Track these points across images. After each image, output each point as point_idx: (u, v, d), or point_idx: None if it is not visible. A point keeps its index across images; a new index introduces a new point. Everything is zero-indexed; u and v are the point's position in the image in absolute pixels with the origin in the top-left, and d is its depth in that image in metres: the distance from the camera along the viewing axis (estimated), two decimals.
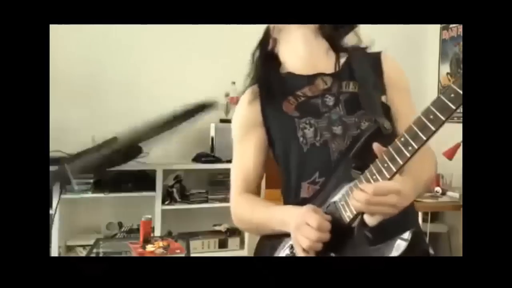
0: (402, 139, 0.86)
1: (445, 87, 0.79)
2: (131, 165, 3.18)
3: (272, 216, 1.09)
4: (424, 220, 3.06)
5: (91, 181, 3.09)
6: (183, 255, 2.20)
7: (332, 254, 0.98)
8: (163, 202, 3.19)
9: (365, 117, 1.06)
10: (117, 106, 3.35)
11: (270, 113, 1.15)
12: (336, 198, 1.01)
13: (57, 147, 3.05)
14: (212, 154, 3.30)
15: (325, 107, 1.10)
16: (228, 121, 3.26)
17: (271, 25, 1.17)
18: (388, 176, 0.89)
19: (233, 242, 3.36)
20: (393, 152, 0.87)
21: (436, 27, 3.77)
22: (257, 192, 1.20)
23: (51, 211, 2.87)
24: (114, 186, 3.14)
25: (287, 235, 1.04)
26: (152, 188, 3.15)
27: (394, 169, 0.87)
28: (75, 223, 3.20)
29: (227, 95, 3.36)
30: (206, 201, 3.33)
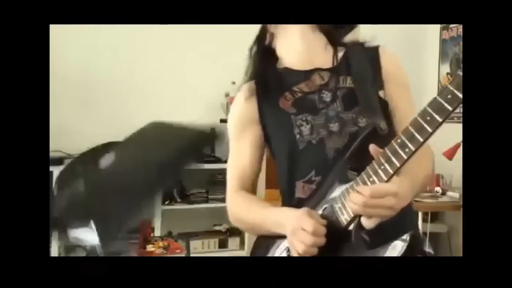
0: (399, 140, 0.85)
1: (442, 87, 0.79)
2: None
3: (268, 217, 1.08)
4: (424, 220, 3.06)
5: None
6: (183, 255, 2.20)
7: None
8: (163, 202, 3.19)
9: (362, 113, 1.05)
10: (117, 106, 3.35)
11: (266, 110, 1.15)
12: (332, 201, 1.00)
13: (57, 147, 3.05)
14: (212, 154, 3.30)
15: (322, 103, 1.09)
16: None
17: None
18: (385, 178, 0.88)
19: (233, 242, 3.36)
20: (389, 153, 0.86)
21: (436, 27, 3.77)
22: (253, 190, 1.20)
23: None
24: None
25: (283, 236, 1.03)
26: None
27: (391, 171, 0.86)
28: None
29: (227, 95, 3.36)
30: (206, 201, 3.33)
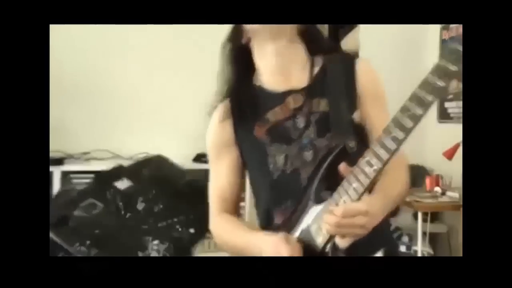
0: (366, 158, 0.86)
1: (404, 105, 0.80)
2: None
3: (250, 242, 1.08)
4: (424, 220, 3.06)
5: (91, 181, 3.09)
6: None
7: None
8: None
9: (335, 138, 1.04)
10: (117, 106, 3.35)
11: (242, 135, 1.13)
12: (308, 222, 1.00)
13: (57, 147, 3.05)
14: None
15: (296, 130, 1.08)
16: None
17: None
18: (356, 197, 0.88)
19: None
20: (358, 173, 0.88)
21: (436, 27, 3.77)
22: (235, 211, 1.19)
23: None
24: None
25: None
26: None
27: (361, 190, 0.87)
28: None
29: None
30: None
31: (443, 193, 3.13)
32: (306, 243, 0.99)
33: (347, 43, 3.20)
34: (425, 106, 0.77)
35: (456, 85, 3.49)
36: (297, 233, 1.02)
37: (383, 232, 1.03)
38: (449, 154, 3.00)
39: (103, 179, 1.88)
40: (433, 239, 3.39)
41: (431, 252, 3.30)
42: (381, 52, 3.18)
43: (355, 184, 0.88)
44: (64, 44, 3.14)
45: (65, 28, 3.02)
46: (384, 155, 0.83)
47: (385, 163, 0.83)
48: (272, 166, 1.09)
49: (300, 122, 1.08)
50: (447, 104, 3.62)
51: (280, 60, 1.10)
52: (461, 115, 3.80)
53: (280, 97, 1.10)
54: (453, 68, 0.74)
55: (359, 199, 0.89)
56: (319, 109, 1.08)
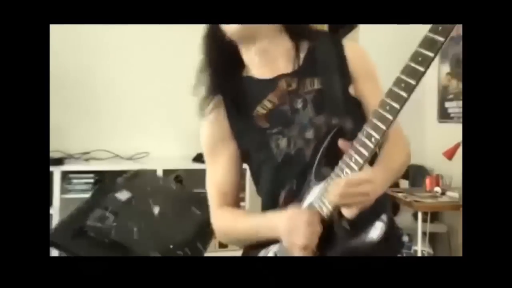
0: (364, 132, 0.89)
1: (398, 77, 0.85)
2: (131, 165, 3.18)
3: (258, 224, 1.09)
4: (424, 220, 3.06)
5: (92, 181, 3.09)
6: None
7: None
8: None
9: (333, 113, 1.06)
10: (117, 106, 3.35)
11: (239, 127, 1.13)
12: (311, 199, 1.01)
13: (57, 147, 3.06)
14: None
15: (294, 112, 1.09)
16: None
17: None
18: (357, 168, 0.91)
19: None
20: (357, 145, 0.90)
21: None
22: (236, 205, 1.19)
23: (51, 211, 2.87)
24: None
25: (267, 244, 1.05)
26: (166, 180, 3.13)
27: (362, 162, 0.90)
28: None
29: None
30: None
31: (443, 193, 3.13)
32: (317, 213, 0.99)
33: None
34: (417, 76, 0.82)
35: (456, 85, 3.50)
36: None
37: (382, 202, 1.03)
38: (449, 154, 3.00)
39: (103, 192, 1.91)
40: (433, 239, 3.40)
41: (431, 252, 3.30)
42: (381, 52, 3.18)
43: (356, 157, 0.91)
44: (64, 44, 3.14)
45: (65, 28, 3.03)
46: (382, 126, 0.86)
47: (383, 134, 0.86)
48: (276, 151, 1.09)
49: (297, 103, 1.09)
50: (447, 104, 3.62)
51: (264, 56, 1.11)
52: (461, 115, 3.81)
53: (272, 83, 1.11)
54: (440, 38, 0.78)
55: (360, 170, 0.91)
56: (313, 87, 1.09)
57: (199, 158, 3.29)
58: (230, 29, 1.08)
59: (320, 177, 1.01)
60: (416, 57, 0.82)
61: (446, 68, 3.74)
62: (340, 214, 0.95)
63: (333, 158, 0.98)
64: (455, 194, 3.06)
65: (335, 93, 1.07)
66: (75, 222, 1.79)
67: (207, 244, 1.95)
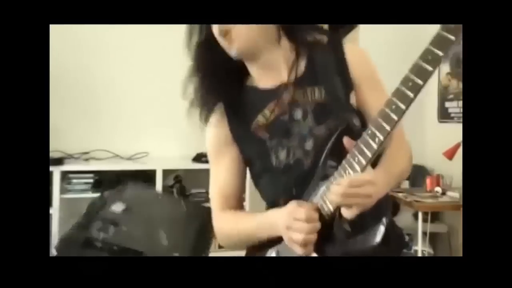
0: (369, 131, 0.88)
1: (406, 76, 0.83)
2: (131, 165, 3.18)
3: (259, 223, 1.09)
4: (424, 220, 3.06)
5: (91, 181, 3.10)
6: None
7: (314, 254, 0.98)
8: None
9: (334, 123, 1.05)
10: (117, 106, 3.35)
11: (240, 135, 1.14)
12: (314, 199, 1.01)
13: (57, 147, 3.06)
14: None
15: (294, 122, 1.09)
16: None
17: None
18: (359, 169, 0.90)
19: None
20: (361, 145, 0.90)
21: (436, 27, 3.76)
22: (240, 208, 1.20)
23: (51, 211, 2.87)
24: (114, 186, 3.13)
25: (271, 244, 1.05)
26: (152, 188, 3.14)
27: (364, 162, 0.89)
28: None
29: None
30: (206, 201, 3.32)
31: (443, 193, 3.13)
32: (318, 210, 0.99)
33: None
34: (426, 76, 0.80)
35: (456, 85, 3.49)
36: None
37: (383, 204, 1.03)
38: (450, 154, 3.00)
39: (96, 208, 1.94)
40: (433, 239, 3.40)
41: (431, 252, 3.30)
42: (381, 52, 3.18)
43: (359, 157, 0.90)
44: (64, 44, 3.14)
45: (65, 28, 3.03)
46: (386, 126, 0.85)
47: (387, 135, 0.85)
48: (275, 161, 1.09)
49: (297, 114, 1.09)
50: (447, 104, 3.62)
51: (267, 68, 1.11)
52: (461, 115, 3.80)
53: (273, 93, 1.11)
54: (451, 37, 0.77)
55: (363, 171, 0.90)
56: (314, 96, 1.09)
57: (198, 158, 3.29)
58: (231, 52, 1.08)
59: (325, 177, 1.01)
60: (426, 55, 0.80)
61: (446, 68, 3.74)
62: (341, 215, 0.95)
63: (339, 157, 0.97)
64: (455, 194, 3.06)
65: (338, 101, 1.07)
66: (79, 235, 1.80)
67: (207, 250, 1.96)
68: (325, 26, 1.23)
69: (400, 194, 3.11)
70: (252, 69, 1.14)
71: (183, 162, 3.34)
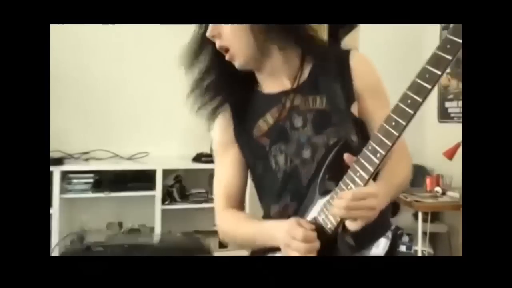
0: (370, 147, 0.88)
1: (404, 93, 0.84)
2: (131, 165, 3.18)
3: (260, 231, 1.09)
4: (424, 220, 3.06)
5: (91, 181, 3.10)
6: None
7: None
8: (163, 202, 3.19)
9: (333, 134, 1.06)
10: (117, 106, 3.35)
11: (242, 139, 1.16)
12: (315, 213, 1.01)
13: (57, 147, 3.06)
14: (212, 154, 3.29)
15: (293, 129, 1.10)
16: None
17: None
18: (362, 184, 0.90)
19: None
20: (363, 160, 0.90)
21: (436, 27, 3.77)
22: (241, 207, 1.21)
23: (51, 211, 2.87)
24: (114, 185, 3.14)
25: (276, 248, 1.05)
26: (152, 188, 3.15)
27: (367, 177, 0.89)
28: (75, 223, 3.20)
29: None
30: (206, 201, 3.33)
31: (443, 193, 3.13)
32: (318, 228, 0.99)
33: (347, 43, 3.21)
34: (424, 94, 0.81)
35: (456, 85, 3.49)
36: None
37: (385, 216, 1.04)
38: (450, 154, 3.00)
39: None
40: (433, 239, 3.40)
41: (431, 252, 3.30)
42: (381, 52, 3.19)
43: (361, 172, 0.90)
44: (64, 44, 3.14)
45: (65, 28, 3.03)
46: (387, 142, 0.85)
47: (388, 150, 0.86)
48: (275, 166, 1.10)
49: (297, 121, 1.10)
50: (447, 104, 3.62)
51: (273, 75, 1.13)
52: (461, 115, 3.80)
53: (275, 98, 1.12)
54: (448, 56, 0.78)
55: (365, 185, 0.90)
56: (315, 106, 1.09)
57: (198, 158, 3.30)
58: (237, 65, 1.10)
59: (324, 192, 1.01)
60: (424, 74, 0.81)
61: None
62: (344, 229, 0.95)
63: (337, 172, 0.97)
64: (455, 194, 3.06)
65: (339, 112, 1.07)
66: (79, 246, 1.84)
67: None
68: (325, 26, 1.23)
69: (400, 194, 3.11)
70: (259, 75, 1.16)
71: (183, 162, 3.34)
